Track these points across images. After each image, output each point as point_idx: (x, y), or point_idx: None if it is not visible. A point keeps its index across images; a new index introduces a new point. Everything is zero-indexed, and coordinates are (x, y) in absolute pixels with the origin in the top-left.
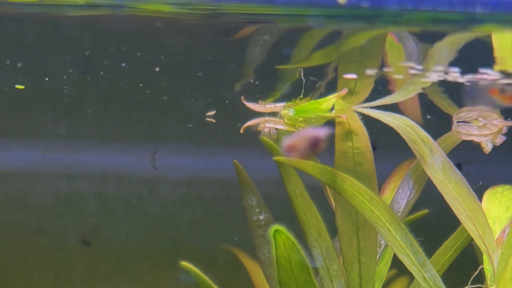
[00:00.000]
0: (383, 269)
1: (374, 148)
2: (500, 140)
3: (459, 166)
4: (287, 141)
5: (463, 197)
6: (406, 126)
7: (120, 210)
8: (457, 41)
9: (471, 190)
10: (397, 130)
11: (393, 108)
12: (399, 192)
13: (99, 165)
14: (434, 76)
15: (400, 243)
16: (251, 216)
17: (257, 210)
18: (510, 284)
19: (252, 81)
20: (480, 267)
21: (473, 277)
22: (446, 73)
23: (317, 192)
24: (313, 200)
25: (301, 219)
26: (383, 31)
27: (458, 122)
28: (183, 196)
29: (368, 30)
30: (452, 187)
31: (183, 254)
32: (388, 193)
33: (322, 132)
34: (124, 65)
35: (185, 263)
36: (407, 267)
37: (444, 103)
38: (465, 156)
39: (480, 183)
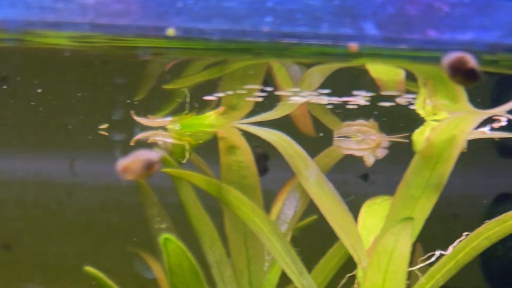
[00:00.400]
0: (274, 276)
1: (267, 157)
2: (382, 153)
3: (365, 176)
4: (121, 162)
5: (336, 209)
6: (283, 142)
7: (40, 216)
8: (328, 68)
9: (344, 203)
10: (274, 145)
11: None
12: (286, 203)
13: (19, 171)
14: (306, 97)
15: (280, 252)
16: (153, 224)
17: (158, 219)
18: None
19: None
20: (348, 275)
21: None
22: (318, 95)
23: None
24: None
25: (195, 227)
26: (263, 61)
27: (339, 137)
28: (101, 202)
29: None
30: (326, 200)
31: (102, 259)
32: (280, 203)
33: (155, 155)
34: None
35: (89, 268)
36: (288, 275)
37: (327, 118)
38: (372, 166)
39: (352, 196)
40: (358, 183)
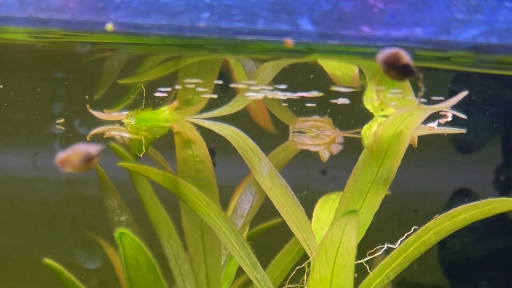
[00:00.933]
0: (232, 270)
1: (214, 153)
2: (336, 149)
3: (323, 172)
4: (60, 155)
5: (288, 203)
6: (236, 136)
7: (3, 210)
8: (281, 63)
9: (295, 197)
10: (228, 139)
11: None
12: (242, 198)
13: None
14: (261, 92)
15: (234, 246)
16: (113, 217)
17: (118, 211)
18: (319, 285)
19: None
20: (298, 267)
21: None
22: (273, 89)
23: None
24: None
25: (152, 221)
26: (218, 57)
27: (294, 132)
28: (64, 197)
29: (204, 56)
30: (278, 194)
31: (66, 252)
32: (237, 198)
33: (94, 148)
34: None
35: (48, 260)
36: (243, 268)
37: (283, 114)
38: (334, 161)
39: (305, 192)
40: (320, 179)
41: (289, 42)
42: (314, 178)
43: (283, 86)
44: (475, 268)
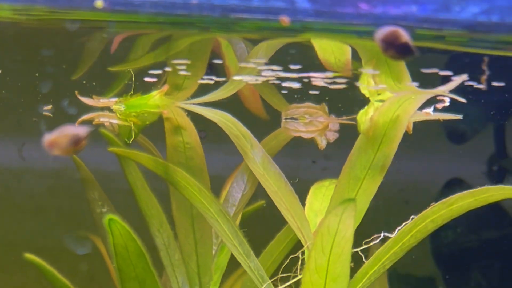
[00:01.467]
0: (223, 260)
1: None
2: (333, 137)
3: (314, 162)
4: (48, 137)
5: (281, 190)
6: (228, 122)
7: None
8: (274, 44)
9: (289, 184)
10: (220, 125)
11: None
12: (234, 186)
13: None
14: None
15: (227, 234)
16: (95, 208)
17: (99, 203)
18: (314, 274)
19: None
20: (292, 256)
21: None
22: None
23: None
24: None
25: (143, 210)
26: (209, 36)
27: (286, 119)
28: (50, 187)
29: (195, 35)
30: (272, 181)
31: (51, 244)
32: (229, 186)
33: (82, 130)
34: None
35: (29, 255)
36: (236, 256)
37: (275, 100)
38: (325, 152)
39: (297, 179)
40: (311, 169)
41: (284, 20)
42: (304, 168)
43: (298, 66)
44: (467, 259)
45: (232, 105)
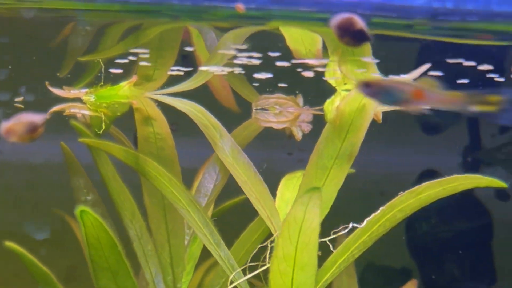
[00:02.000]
0: (196, 250)
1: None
2: (308, 128)
3: (289, 154)
4: (4, 124)
5: (251, 180)
6: (197, 112)
7: None
8: (242, 33)
9: (258, 174)
10: (189, 115)
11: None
12: (205, 177)
13: None
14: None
15: (198, 224)
16: (80, 196)
17: (84, 190)
18: (282, 263)
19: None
20: (261, 245)
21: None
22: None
23: None
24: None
25: (115, 201)
26: (179, 24)
27: (257, 109)
28: (28, 181)
29: (165, 24)
30: (241, 171)
31: (29, 236)
32: (201, 177)
33: (38, 118)
34: None
35: (9, 243)
36: (207, 246)
37: (245, 92)
38: (300, 143)
39: (265, 166)
40: (286, 161)
41: (240, 7)
42: (280, 160)
43: (277, 54)
44: (441, 250)
45: (203, 97)
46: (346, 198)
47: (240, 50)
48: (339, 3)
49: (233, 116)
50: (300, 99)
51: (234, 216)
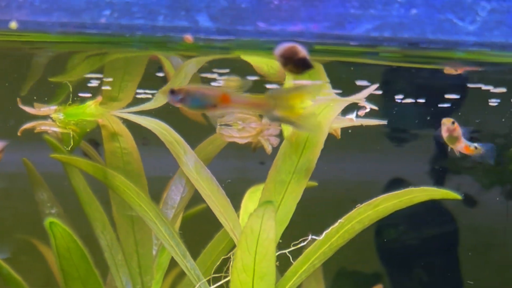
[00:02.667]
0: (165, 259)
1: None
2: (276, 141)
3: (262, 163)
4: None
5: (214, 194)
6: (162, 129)
7: None
8: (203, 59)
9: (221, 188)
10: (154, 132)
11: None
12: (172, 189)
13: None
14: None
15: (165, 235)
16: (44, 210)
17: (48, 204)
18: (242, 273)
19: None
20: (223, 257)
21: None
22: None
23: None
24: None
25: (86, 212)
26: (145, 53)
27: (221, 125)
28: (5, 190)
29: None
30: (205, 185)
31: (7, 246)
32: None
33: None
34: None
35: None
36: (174, 257)
37: None
38: (273, 153)
39: (228, 180)
40: (260, 169)
41: (188, 38)
42: (253, 170)
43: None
44: (410, 256)
45: (172, 112)
46: (319, 206)
47: (220, 74)
48: (282, 33)
49: (198, 129)
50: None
51: (205, 221)
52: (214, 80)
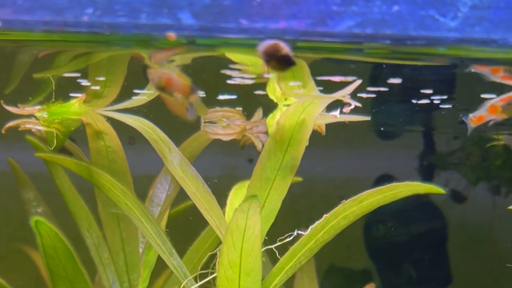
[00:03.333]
0: (152, 257)
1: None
2: (265, 139)
3: (250, 161)
4: None
5: (200, 191)
6: (147, 127)
7: None
8: (187, 58)
9: (206, 185)
10: (139, 130)
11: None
12: (158, 187)
13: None
14: None
15: (151, 233)
16: (30, 209)
17: (34, 203)
18: (228, 269)
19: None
20: (210, 253)
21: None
22: None
23: None
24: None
25: (72, 211)
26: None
27: (205, 122)
28: None
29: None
30: (190, 183)
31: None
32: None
33: None
34: None
35: None
36: (160, 255)
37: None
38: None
39: (215, 180)
40: (249, 166)
41: (171, 35)
42: (241, 167)
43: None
44: (398, 252)
45: (158, 110)
46: (307, 203)
47: None
48: (265, 31)
49: (184, 126)
50: (260, 112)
51: (192, 219)
52: None
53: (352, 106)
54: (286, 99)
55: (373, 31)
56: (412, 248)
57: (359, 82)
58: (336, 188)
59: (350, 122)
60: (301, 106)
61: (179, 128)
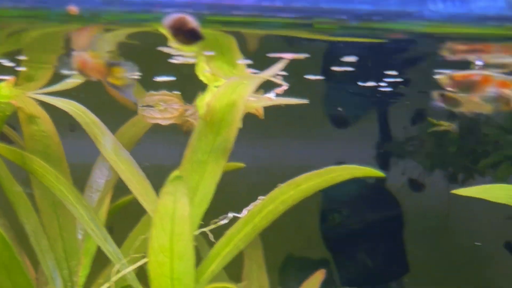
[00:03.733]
0: (92, 245)
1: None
2: None
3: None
4: None
5: (134, 176)
6: (78, 111)
7: None
8: (119, 33)
9: (140, 170)
10: (71, 114)
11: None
12: (96, 172)
13: None
14: None
15: (86, 219)
16: None
17: None
18: (159, 254)
19: None
20: (142, 237)
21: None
22: None
23: None
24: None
25: (9, 199)
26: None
27: (143, 106)
28: None
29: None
30: (124, 167)
31: None
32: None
33: None
34: None
35: None
36: (96, 241)
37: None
38: None
39: (148, 163)
40: None
41: (72, 9)
42: None
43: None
44: (353, 240)
45: (97, 94)
46: (260, 192)
47: None
48: (172, 3)
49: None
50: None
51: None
52: None
53: (284, 87)
54: (216, 80)
55: (283, 4)
56: (368, 237)
57: (285, 61)
58: (291, 177)
59: (305, 110)
60: (231, 87)
61: (119, 113)
